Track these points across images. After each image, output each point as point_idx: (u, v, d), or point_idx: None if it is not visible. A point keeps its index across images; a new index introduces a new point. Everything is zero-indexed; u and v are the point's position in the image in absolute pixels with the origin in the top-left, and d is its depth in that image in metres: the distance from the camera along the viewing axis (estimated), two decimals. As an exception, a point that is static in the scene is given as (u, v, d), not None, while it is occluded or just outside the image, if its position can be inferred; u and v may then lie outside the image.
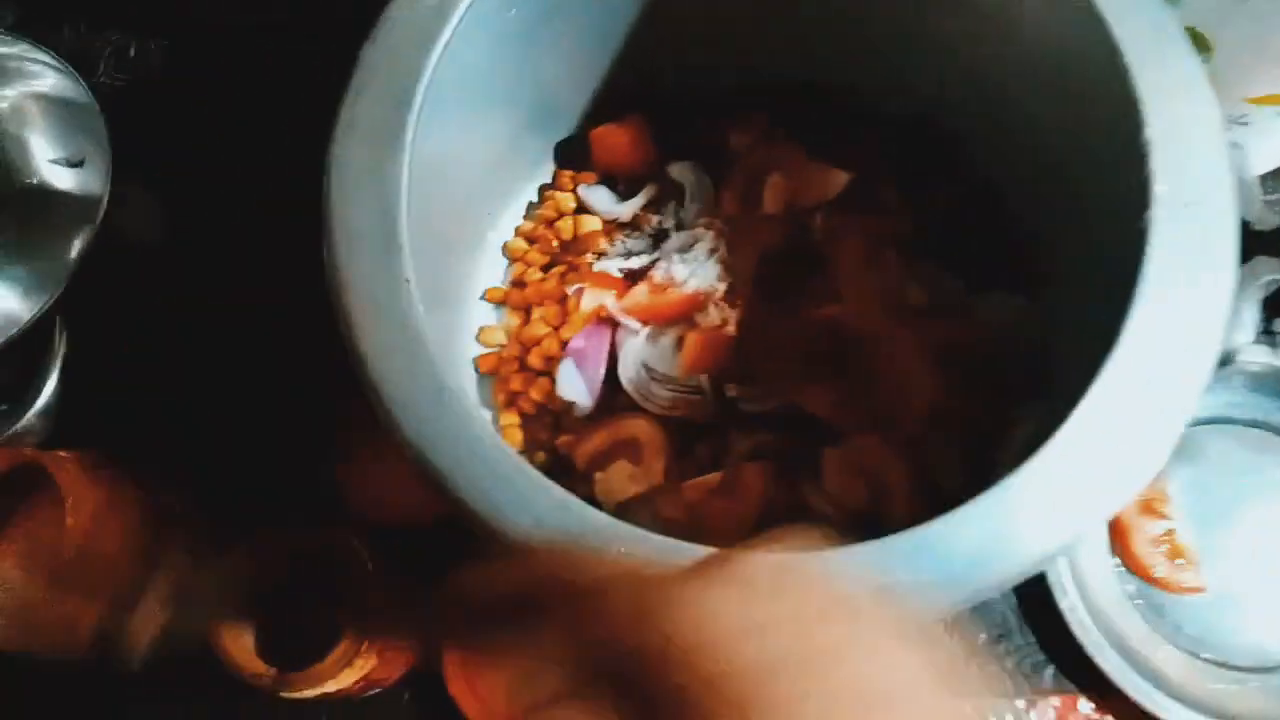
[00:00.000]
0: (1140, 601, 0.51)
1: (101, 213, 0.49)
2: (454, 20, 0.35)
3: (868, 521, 0.46)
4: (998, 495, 0.30)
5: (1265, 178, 0.56)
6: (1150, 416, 0.30)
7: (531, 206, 0.54)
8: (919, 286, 0.49)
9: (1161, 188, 0.31)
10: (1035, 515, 0.30)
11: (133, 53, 0.64)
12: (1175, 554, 0.51)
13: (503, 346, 0.52)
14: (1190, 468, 0.52)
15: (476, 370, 0.52)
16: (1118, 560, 0.51)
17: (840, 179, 0.49)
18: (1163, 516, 0.51)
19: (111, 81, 0.63)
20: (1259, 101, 0.48)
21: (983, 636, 0.51)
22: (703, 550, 0.30)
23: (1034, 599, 0.50)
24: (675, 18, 0.46)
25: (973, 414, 0.47)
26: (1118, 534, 0.51)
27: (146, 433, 0.52)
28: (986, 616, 0.51)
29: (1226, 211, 0.31)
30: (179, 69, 0.64)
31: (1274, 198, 0.56)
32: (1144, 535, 0.51)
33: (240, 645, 0.44)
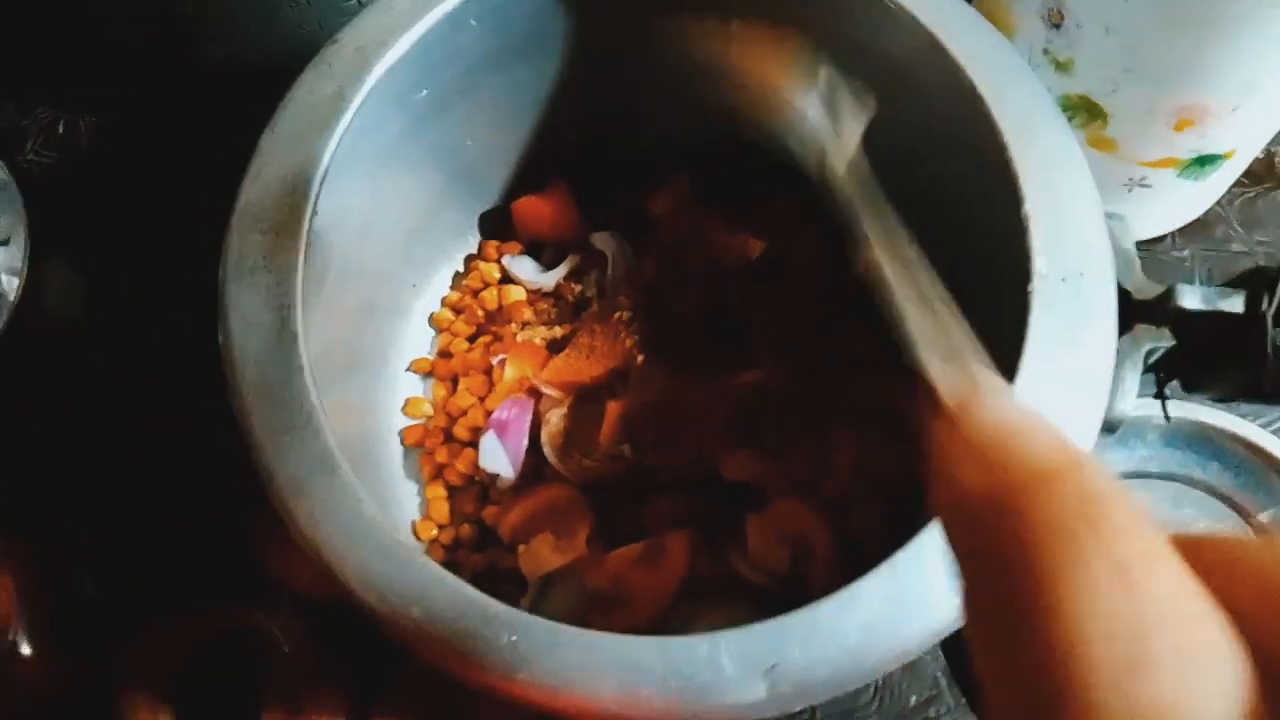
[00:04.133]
0: (1068, 658, 0.51)
1: (17, 292, 0.49)
2: (353, 107, 0.36)
3: (792, 586, 0.46)
4: (892, 567, 0.31)
5: (1174, 235, 0.58)
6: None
7: (458, 277, 0.55)
8: (839, 348, 0.49)
9: (1040, 261, 0.32)
10: (931, 584, 0.31)
11: (61, 130, 0.64)
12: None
13: (429, 418, 0.52)
14: (1112, 522, 0.53)
15: (402, 442, 0.52)
16: (1045, 617, 0.52)
17: (756, 246, 0.49)
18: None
19: (39, 159, 0.63)
20: (1156, 165, 0.50)
21: (914, 699, 0.51)
22: (603, 640, 0.30)
23: (964, 660, 0.50)
24: (588, 90, 0.47)
25: (895, 475, 0.47)
26: (1044, 590, 0.52)
27: (58, 516, 0.51)
28: (917, 679, 0.51)
29: (1105, 283, 0.32)
30: (107, 147, 0.64)
31: (1182, 254, 0.58)
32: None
33: (151, 734, 0.43)
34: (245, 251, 0.33)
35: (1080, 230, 0.33)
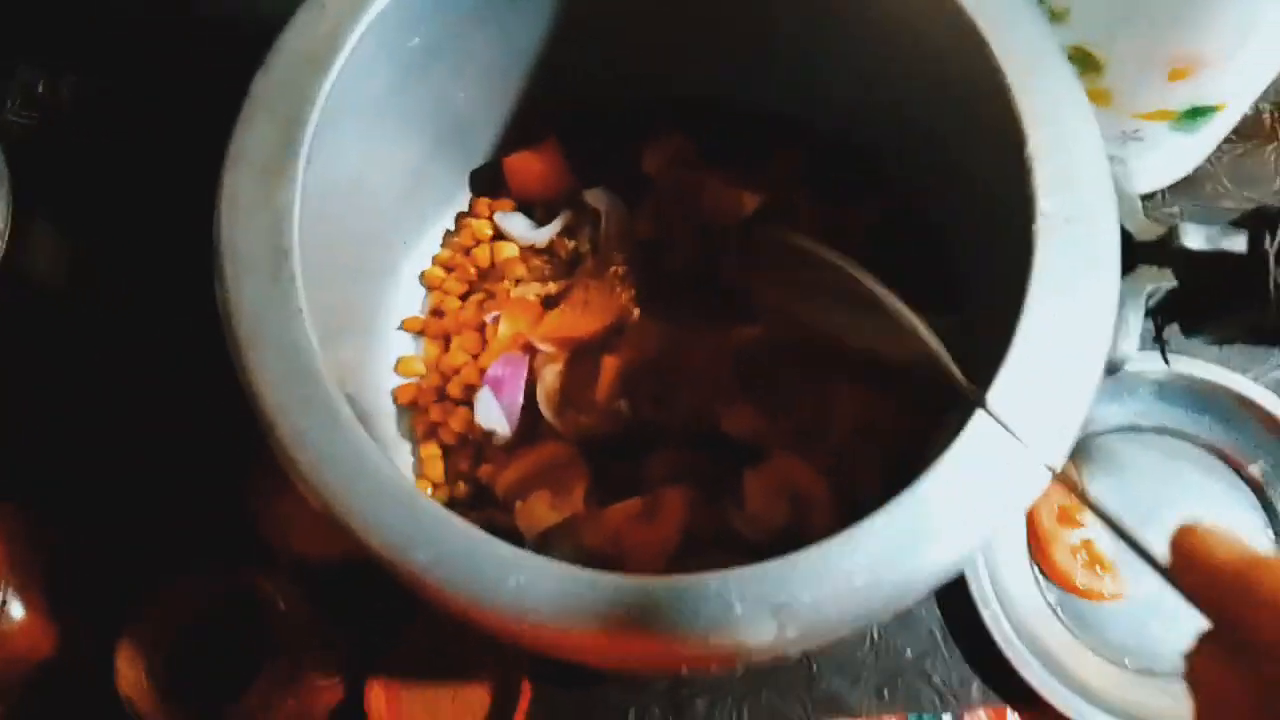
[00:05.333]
0: (1062, 611, 0.51)
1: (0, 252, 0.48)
2: (347, 48, 0.35)
3: (790, 542, 0.46)
4: (897, 507, 0.31)
5: (1164, 191, 0.58)
6: (1044, 419, 0.31)
7: (449, 235, 0.54)
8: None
9: (1044, 201, 0.32)
10: (936, 524, 0.31)
11: (40, 89, 0.62)
12: (1094, 562, 0.52)
13: (422, 377, 0.52)
14: (1105, 476, 0.53)
15: (395, 402, 0.51)
16: (1038, 570, 0.52)
17: (751, 201, 0.49)
18: (1080, 525, 0.52)
19: (19, 119, 0.62)
20: (1149, 117, 0.50)
21: (909, 652, 0.51)
22: (610, 579, 0.30)
23: (958, 613, 0.50)
24: (581, 41, 0.47)
25: (895, 429, 0.47)
26: (1037, 543, 0.52)
27: (49, 481, 0.50)
28: (911, 632, 0.51)
29: (1108, 223, 0.32)
30: (89, 107, 0.62)
31: (1171, 210, 0.58)
32: (1063, 544, 0.52)
33: (145, 694, 0.43)
34: (239, 195, 0.32)
35: (1084, 171, 0.33)
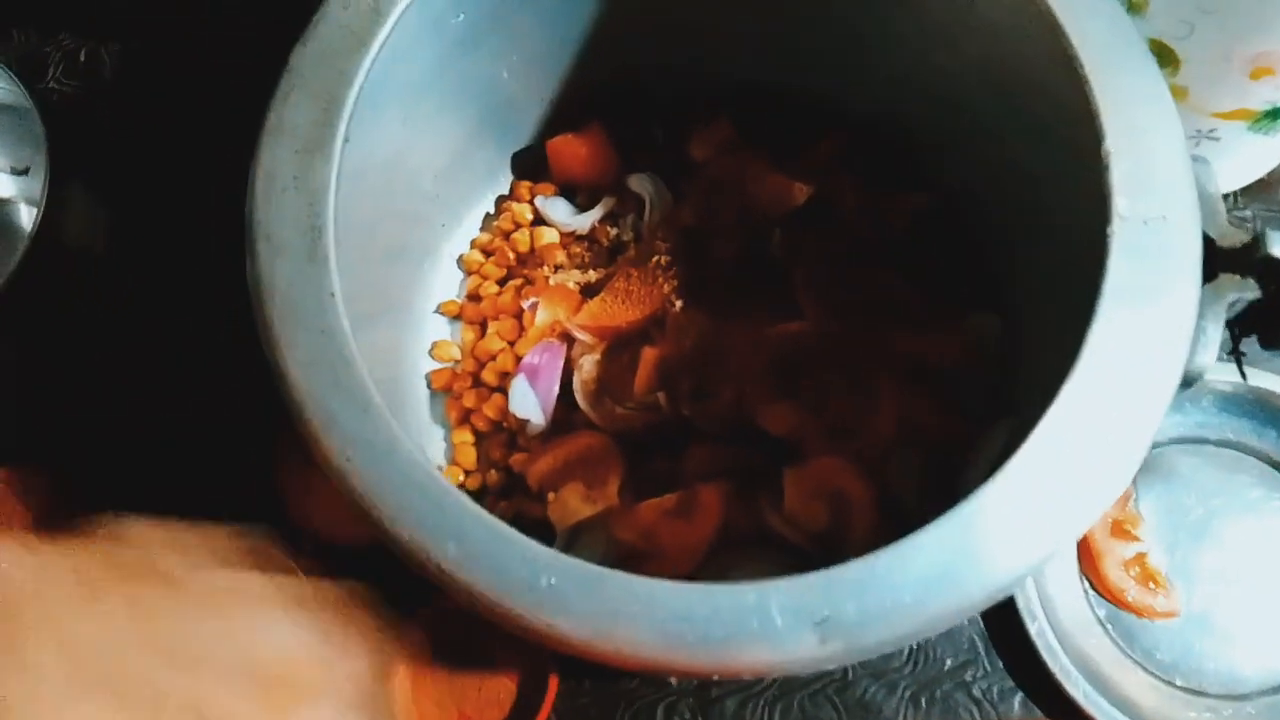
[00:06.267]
0: (1111, 626, 0.49)
1: (37, 221, 0.48)
2: (389, 23, 0.34)
3: (828, 544, 0.44)
4: (953, 520, 0.29)
5: (1236, 194, 0.56)
6: (1113, 435, 0.29)
7: (489, 218, 0.53)
8: (883, 298, 0.48)
9: (1121, 202, 0.30)
10: (993, 540, 0.29)
11: (83, 58, 0.62)
12: (1147, 577, 0.49)
13: (457, 362, 0.51)
14: (1162, 488, 0.51)
15: (429, 386, 0.50)
16: (1088, 584, 0.50)
17: (802, 192, 0.47)
18: (1134, 539, 0.50)
19: (61, 87, 0.61)
20: (1227, 116, 0.48)
21: (949, 662, 0.49)
22: (646, 584, 0.28)
23: (1002, 624, 0.49)
24: (627, 22, 0.45)
25: (939, 434, 0.45)
26: (1088, 557, 0.50)
27: (80, 447, 0.50)
28: (953, 642, 0.49)
29: (1189, 227, 0.30)
30: (131, 75, 0.62)
31: (1244, 214, 0.56)
32: (1115, 558, 0.50)
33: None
34: (275, 172, 0.31)
35: (1164, 170, 0.31)
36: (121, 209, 0.55)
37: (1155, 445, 0.51)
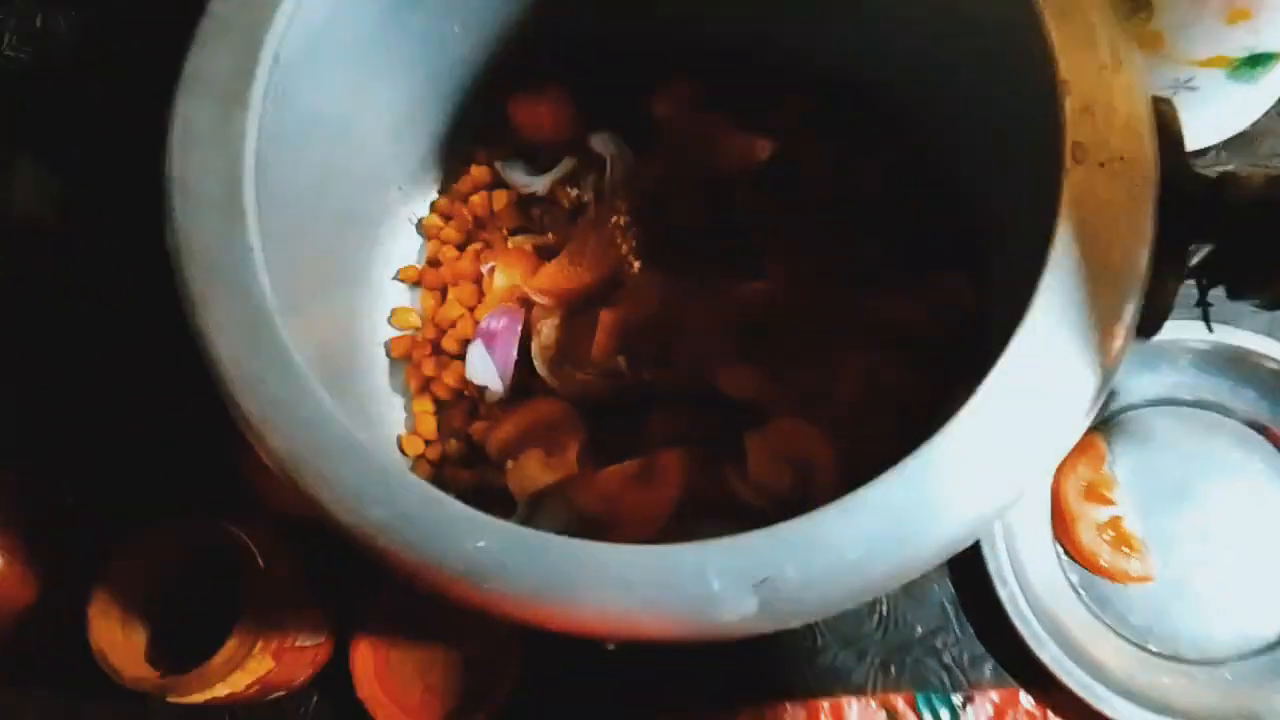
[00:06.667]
0: (1084, 592, 0.48)
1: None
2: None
3: (794, 508, 0.43)
4: (899, 474, 0.28)
5: (1219, 147, 0.54)
6: (1061, 384, 0.28)
7: (447, 180, 0.51)
8: (849, 259, 0.46)
9: (1075, 144, 0.29)
10: (942, 493, 0.28)
11: (38, 24, 0.60)
12: (1121, 541, 0.49)
13: (417, 329, 0.50)
14: (1138, 451, 0.50)
15: (389, 354, 0.49)
16: (1061, 548, 0.49)
17: (764, 148, 0.46)
18: (1108, 502, 0.49)
19: (15, 54, 0.60)
20: (1206, 64, 0.46)
21: (919, 629, 0.48)
22: (578, 546, 0.27)
23: (973, 589, 0.48)
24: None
25: (909, 395, 0.44)
26: (1061, 521, 0.49)
27: (35, 425, 0.49)
28: (922, 607, 0.49)
29: (1145, 168, 0.29)
30: (87, 43, 0.60)
31: (1226, 168, 0.54)
32: (1089, 522, 0.49)
33: (118, 647, 0.42)
34: (191, 123, 0.30)
35: (1121, 109, 0.29)
36: (78, 179, 0.54)
37: (1130, 407, 0.50)
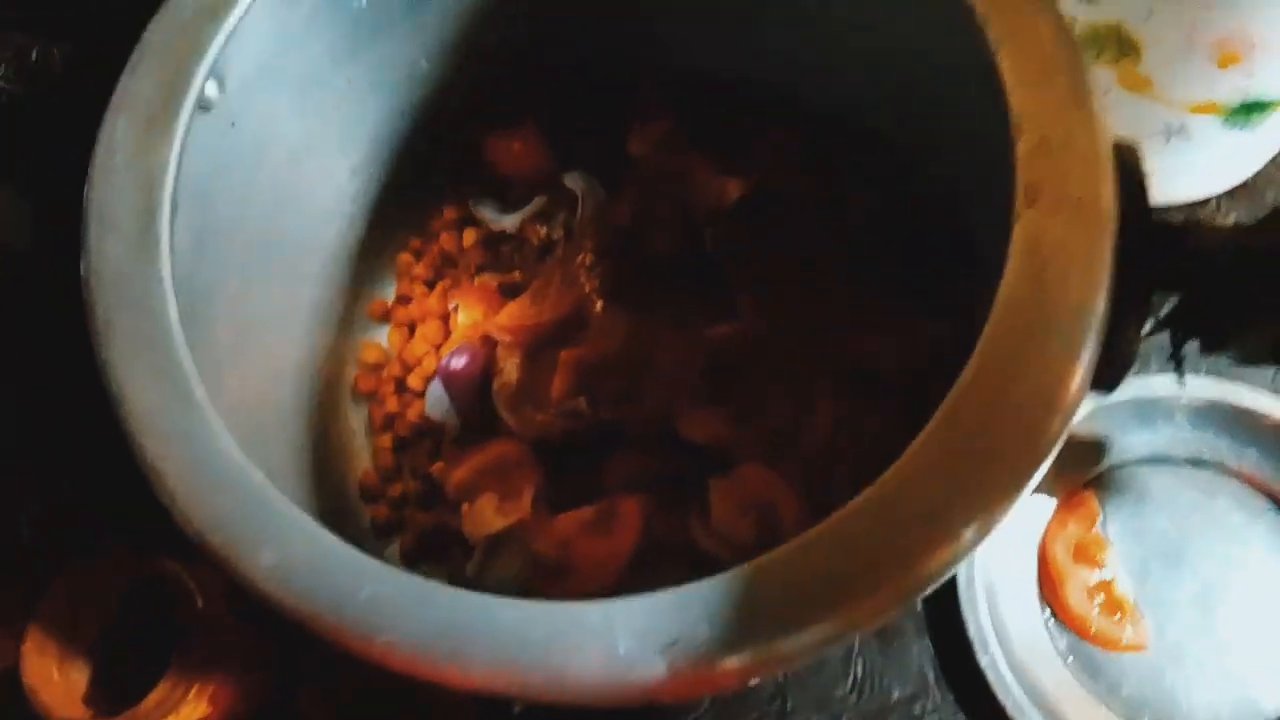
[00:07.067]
0: (1072, 659, 0.45)
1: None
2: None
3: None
4: (831, 527, 0.26)
5: (1220, 199, 0.52)
6: (1000, 444, 0.26)
7: (418, 217, 0.51)
8: (824, 299, 0.45)
9: (1026, 185, 0.27)
10: (879, 547, 0.26)
11: (34, 57, 0.61)
12: (1113, 606, 0.46)
13: (384, 366, 0.49)
14: (1132, 511, 0.47)
15: (356, 389, 0.48)
16: (1049, 613, 0.46)
17: (735, 189, 0.45)
18: (1099, 564, 0.46)
19: (10, 86, 0.61)
20: (1198, 110, 0.44)
21: (896, 693, 0.46)
22: (477, 600, 0.26)
23: (954, 654, 0.45)
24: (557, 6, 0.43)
25: (881, 440, 0.42)
26: (1049, 582, 0.46)
27: (80, 447, 0.48)
28: (900, 670, 0.46)
29: (1100, 212, 0.27)
30: (81, 75, 0.61)
31: (1229, 221, 0.52)
32: (1078, 583, 0.46)
33: (52, 685, 0.40)
34: (114, 147, 0.29)
35: (1080, 147, 0.28)
36: (52, 209, 0.54)
37: (1124, 464, 0.48)
